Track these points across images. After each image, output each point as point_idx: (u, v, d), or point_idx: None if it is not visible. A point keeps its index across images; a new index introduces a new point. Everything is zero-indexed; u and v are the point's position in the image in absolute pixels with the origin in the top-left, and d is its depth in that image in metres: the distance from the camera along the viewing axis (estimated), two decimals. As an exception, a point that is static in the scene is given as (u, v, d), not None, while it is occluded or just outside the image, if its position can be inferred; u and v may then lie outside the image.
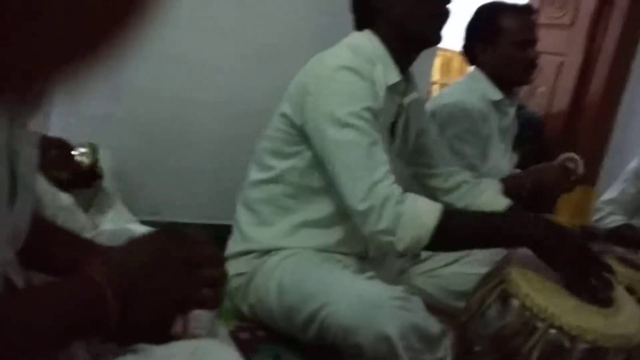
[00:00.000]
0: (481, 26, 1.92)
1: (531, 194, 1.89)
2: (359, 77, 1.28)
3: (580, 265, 1.19)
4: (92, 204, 1.34)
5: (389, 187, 1.22)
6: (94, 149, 1.34)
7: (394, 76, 1.36)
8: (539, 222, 1.23)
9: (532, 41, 1.87)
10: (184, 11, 1.76)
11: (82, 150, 1.34)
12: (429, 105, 1.91)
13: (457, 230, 1.25)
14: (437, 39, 1.38)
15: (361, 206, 1.22)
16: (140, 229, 1.03)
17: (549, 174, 1.89)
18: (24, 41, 0.28)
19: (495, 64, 1.88)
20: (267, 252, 1.40)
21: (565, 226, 1.33)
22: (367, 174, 1.23)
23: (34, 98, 0.59)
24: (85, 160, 1.32)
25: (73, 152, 1.33)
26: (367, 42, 1.38)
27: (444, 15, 1.36)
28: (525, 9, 1.95)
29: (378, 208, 1.20)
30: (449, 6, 1.37)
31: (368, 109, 1.27)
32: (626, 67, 3.06)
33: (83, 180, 1.32)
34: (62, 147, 1.33)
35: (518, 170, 2.08)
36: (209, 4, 1.78)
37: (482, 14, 1.95)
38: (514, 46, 1.84)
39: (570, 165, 1.86)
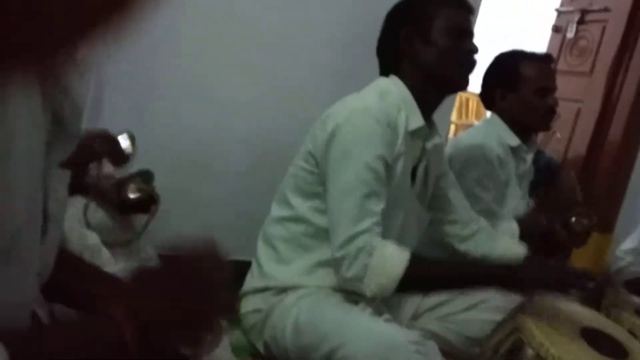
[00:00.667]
0: (502, 73, 1.95)
1: (546, 235, 1.91)
2: (378, 124, 1.31)
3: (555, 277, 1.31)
4: (132, 244, 1.37)
5: (367, 240, 1.26)
6: (149, 178, 1.39)
7: (418, 121, 1.40)
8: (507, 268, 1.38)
9: (551, 89, 1.91)
10: (213, 48, 1.81)
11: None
12: (447, 149, 1.93)
13: (424, 278, 1.32)
14: (466, 84, 1.43)
15: (337, 253, 1.28)
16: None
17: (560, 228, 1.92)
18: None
19: (514, 110, 1.90)
20: (284, 289, 1.41)
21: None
22: (352, 224, 1.27)
23: (67, 135, 0.62)
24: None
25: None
26: (394, 87, 1.41)
27: (473, 63, 1.41)
28: (546, 58, 1.99)
29: (350, 258, 1.26)
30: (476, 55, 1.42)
31: (380, 157, 1.30)
32: (644, 115, 3.08)
33: (142, 205, 1.37)
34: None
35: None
36: (237, 42, 1.83)
37: (503, 61, 1.98)
38: (534, 94, 1.88)
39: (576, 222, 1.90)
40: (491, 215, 1.80)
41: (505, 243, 1.62)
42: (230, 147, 1.87)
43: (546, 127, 1.98)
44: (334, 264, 1.30)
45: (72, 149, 0.66)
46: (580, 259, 2.90)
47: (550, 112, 1.93)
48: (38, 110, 0.56)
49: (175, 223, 1.87)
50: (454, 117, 6.53)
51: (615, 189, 3.12)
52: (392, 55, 1.46)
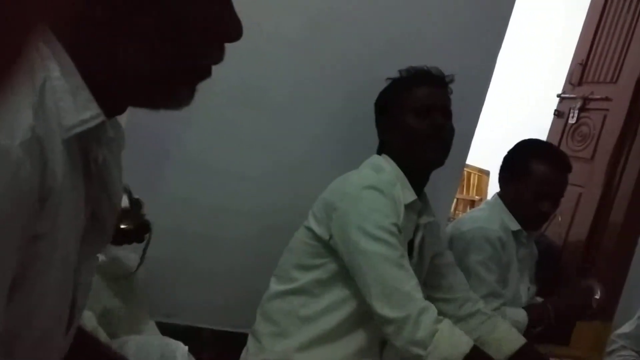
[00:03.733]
0: (514, 158, 1.97)
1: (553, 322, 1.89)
2: (383, 195, 1.36)
3: None
4: (131, 315, 1.36)
5: (423, 300, 1.27)
6: (139, 207, 1.39)
7: (410, 195, 1.44)
8: None
9: (551, 196, 1.88)
10: (217, 121, 1.86)
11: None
12: (448, 230, 1.94)
13: None
14: (436, 160, 1.46)
15: (397, 314, 1.26)
16: (167, 344, 1.05)
17: (572, 298, 1.89)
18: None
19: (513, 198, 1.92)
20: (281, 365, 1.41)
21: None
22: (400, 285, 1.28)
23: (102, 230, 0.64)
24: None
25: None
26: (386, 163, 1.47)
27: (439, 139, 1.45)
28: (563, 165, 1.92)
29: (414, 318, 1.24)
30: (445, 129, 1.47)
31: (394, 224, 1.34)
32: (645, 203, 3.10)
33: (136, 234, 1.36)
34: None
35: (539, 299, 2.07)
36: (240, 112, 1.88)
37: (521, 148, 1.99)
38: (533, 194, 1.87)
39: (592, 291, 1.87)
40: (497, 297, 1.80)
41: (504, 331, 1.61)
42: (234, 220, 1.90)
43: (534, 228, 1.98)
44: (393, 327, 1.27)
45: (106, 244, 0.67)
46: (578, 346, 2.87)
47: (541, 217, 1.92)
48: (81, 206, 0.58)
49: (175, 293, 1.87)
50: (456, 191, 6.56)
51: (616, 276, 3.11)
52: (380, 138, 1.56)
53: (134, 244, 1.36)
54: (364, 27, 1.95)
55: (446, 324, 1.27)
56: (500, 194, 1.98)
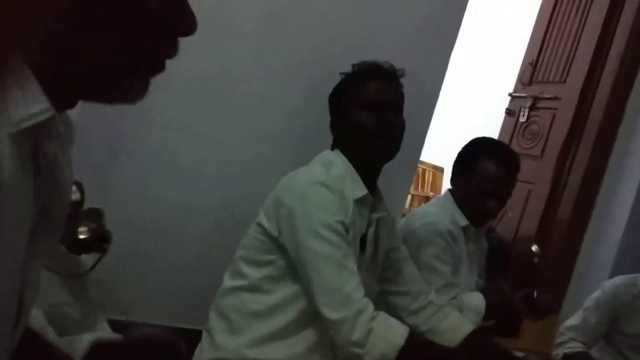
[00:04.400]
0: (464, 155, 2.00)
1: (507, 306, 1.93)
2: (331, 192, 1.37)
3: None
4: (83, 314, 1.33)
5: (362, 300, 1.29)
6: (99, 217, 1.37)
7: (361, 190, 1.45)
8: None
9: (497, 195, 1.90)
10: (181, 118, 1.84)
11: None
12: (401, 226, 1.97)
13: (419, 355, 1.34)
14: (383, 154, 1.49)
15: (335, 315, 1.28)
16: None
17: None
18: None
19: (461, 195, 1.95)
20: (235, 363, 1.40)
21: None
22: (341, 286, 1.29)
23: (52, 226, 0.63)
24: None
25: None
26: (337, 159, 1.48)
27: (388, 136, 1.47)
28: (511, 165, 1.94)
29: (351, 319, 1.27)
30: (395, 125, 1.49)
31: (340, 222, 1.35)
32: (591, 199, 3.22)
33: (94, 244, 1.34)
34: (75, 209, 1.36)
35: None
36: (196, 107, 1.86)
37: (473, 145, 2.01)
38: (478, 191, 1.89)
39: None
40: (452, 288, 1.83)
41: (453, 320, 1.64)
42: (189, 215, 1.88)
43: (481, 224, 2.02)
44: (332, 329, 1.31)
45: (56, 240, 0.66)
46: (527, 339, 2.96)
47: (486, 214, 1.95)
48: (29, 202, 0.57)
49: (129, 289, 1.85)
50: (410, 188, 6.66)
51: (563, 270, 3.21)
52: (332, 134, 1.57)
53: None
54: (321, 23, 1.96)
55: (381, 320, 1.29)
56: (451, 190, 2.02)
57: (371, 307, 1.29)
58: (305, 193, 1.38)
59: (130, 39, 0.55)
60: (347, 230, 1.38)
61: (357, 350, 1.27)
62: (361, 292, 1.31)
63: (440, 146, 3.78)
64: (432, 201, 2.17)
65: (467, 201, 1.93)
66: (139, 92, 0.60)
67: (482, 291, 1.93)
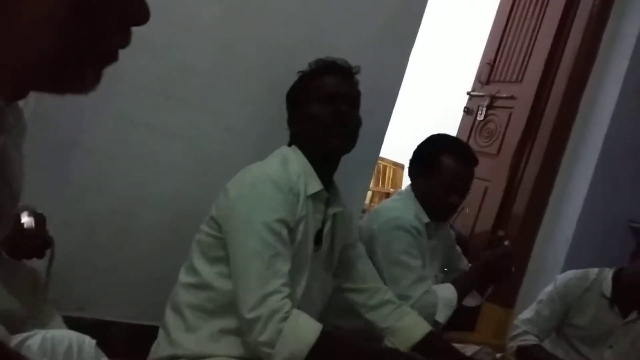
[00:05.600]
0: (425, 153, 2.01)
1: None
2: (277, 189, 1.38)
3: None
4: (35, 311, 1.30)
5: (279, 301, 1.29)
6: (41, 222, 1.33)
7: (316, 185, 1.47)
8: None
9: (459, 189, 1.95)
10: (138, 111, 1.81)
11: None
12: (364, 223, 1.98)
13: (331, 354, 1.33)
14: (339, 147, 1.50)
15: (249, 315, 1.28)
16: (74, 338, 1.02)
17: (488, 259, 1.96)
18: None
19: (422, 191, 1.98)
20: (192, 359, 1.40)
21: None
22: (261, 285, 1.29)
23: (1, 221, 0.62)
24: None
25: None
26: (293, 154, 1.49)
27: (343, 126, 1.49)
28: (470, 160, 1.99)
29: (264, 320, 1.27)
30: (349, 117, 1.50)
31: (281, 220, 1.36)
32: (545, 197, 3.30)
33: (36, 250, 1.30)
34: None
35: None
36: (155, 101, 1.84)
37: (432, 142, 2.04)
38: (442, 187, 1.93)
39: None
40: (424, 281, 1.85)
41: (412, 319, 1.67)
42: (146, 210, 1.86)
43: (443, 219, 2.05)
44: (245, 326, 1.30)
45: (5, 232, 0.65)
46: (483, 332, 3.02)
47: (449, 209, 2.00)
48: None
49: (84, 285, 1.82)
50: (371, 184, 6.72)
51: (517, 264, 3.29)
52: (290, 130, 1.59)
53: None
54: (281, 18, 1.96)
55: (292, 319, 1.28)
56: (412, 187, 2.04)
57: (287, 307, 1.28)
58: (251, 187, 1.39)
59: (81, 27, 0.55)
60: (289, 228, 1.38)
61: (266, 350, 1.27)
62: (283, 293, 1.30)
63: (401, 143, 3.82)
64: (394, 196, 2.18)
65: (430, 197, 1.96)
66: (91, 83, 0.59)
67: (451, 281, 1.95)
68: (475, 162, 2.01)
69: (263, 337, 1.26)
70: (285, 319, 1.27)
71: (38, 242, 1.29)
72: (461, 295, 1.89)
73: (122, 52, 0.60)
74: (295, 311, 1.30)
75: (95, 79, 0.59)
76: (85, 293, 1.81)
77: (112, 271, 1.84)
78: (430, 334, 1.63)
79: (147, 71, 1.75)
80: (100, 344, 1.21)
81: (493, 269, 1.96)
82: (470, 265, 2.20)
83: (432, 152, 1.99)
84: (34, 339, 1.01)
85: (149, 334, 1.52)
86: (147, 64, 1.76)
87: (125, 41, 0.59)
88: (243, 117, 1.97)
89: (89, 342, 1.07)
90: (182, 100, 1.86)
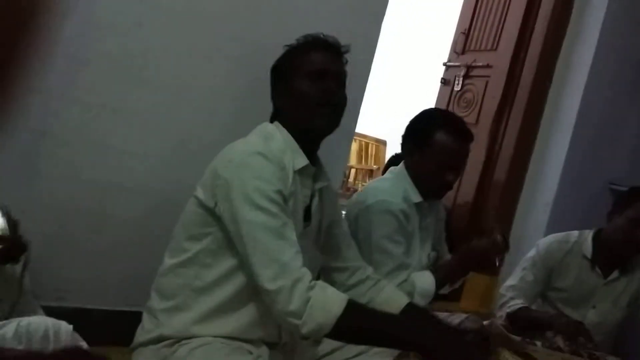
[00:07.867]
0: (418, 129, 1.94)
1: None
2: (268, 161, 1.36)
3: None
4: (15, 310, 1.28)
5: (299, 269, 1.29)
6: (13, 226, 1.30)
7: (302, 161, 1.45)
8: (432, 330, 1.42)
9: (454, 167, 1.89)
10: (107, 96, 1.78)
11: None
12: (351, 204, 1.95)
13: (359, 324, 1.32)
14: (325, 127, 1.49)
15: (271, 286, 1.27)
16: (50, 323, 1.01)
17: (478, 247, 1.93)
18: None
19: (417, 169, 1.92)
20: (178, 340, 1.39)
21: (454, 332, 1.46)
22: (278, 255, 1.29)
23: None
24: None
25: None
26: (276, 131, 1.47)
27: (330, 105, 1.47)
28: (464, 135, 1.92)
29: (288, 290, 1.26)
30: (337, 95, 1.49)
31: (278, 192, 1.35)
32: (524, 163, 3.32)
33: (8, 255, 1.27)
34: None
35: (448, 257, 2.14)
36: (131, 90, 1.81)
37: (425, 118, 1.97)
38: (437, 165, 1.87)
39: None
40: (404, 269, 1.82)
41: (387, 292, 1.66)
42: (122, 196, 1.84)
43: (437, 197, 2.00)
44: (268, 299, 1.29)
45: None
46: (469, 300, 3.05)
47: (444, 186, 1.92)
48: None
49: (63, 274, 1.80)
50: (354, 161, 6.74)
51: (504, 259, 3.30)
52: (274, 105, 1.56)
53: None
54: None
55: (318, 289, 1.27)
56: (405, 164, 1.98)
57: (309, 276, 1.29)
58: (242, 163, 1.36)
59: None
60: (285, 200, 1.38)
61: (294, 321, 1.26)
62: (299, 261, 1.30)
63: (382, 120, 3.82)
64: (386, 175, 2.11)
65: (424, 175, 1.90)
66: None
67: (432, 271, 1.92)
68: (470, 138, 1.95)
69: (291, 307, 1.25)
70: (311, 288, 1.26)
71: (12, 247, 1.26)
72: (440, 285, 1.87)
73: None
74: (321, 283, 1.30)
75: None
76: (64, 282, 1.79)
77: (91, 259, 1.83)
78: (409, 305, 1.63)
79: (113, 54, 1.72)
80: (82, 331, 1.20)
81: (477, 258, 1.91)
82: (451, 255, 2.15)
83: (425, 128, 1.92)
84: (9, 327, 0.99)
85: (131, 319, 1.51)
86: (113, 47, 1.72)
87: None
88: (213, 98, 1.94)
89: (65, 327, 1.06)
90: (149, 83, 1.84)
